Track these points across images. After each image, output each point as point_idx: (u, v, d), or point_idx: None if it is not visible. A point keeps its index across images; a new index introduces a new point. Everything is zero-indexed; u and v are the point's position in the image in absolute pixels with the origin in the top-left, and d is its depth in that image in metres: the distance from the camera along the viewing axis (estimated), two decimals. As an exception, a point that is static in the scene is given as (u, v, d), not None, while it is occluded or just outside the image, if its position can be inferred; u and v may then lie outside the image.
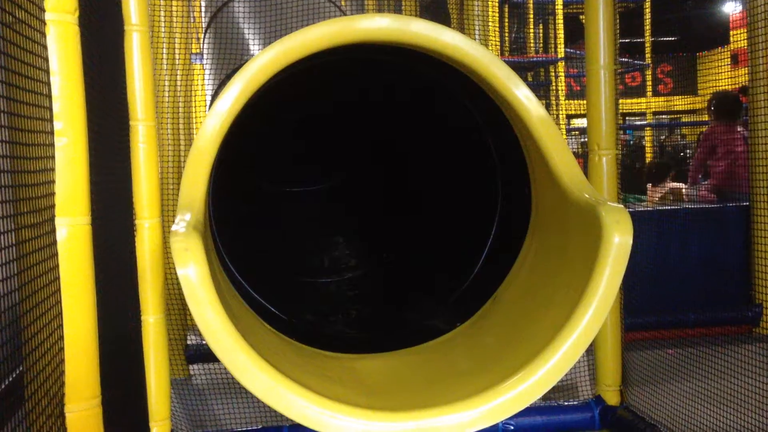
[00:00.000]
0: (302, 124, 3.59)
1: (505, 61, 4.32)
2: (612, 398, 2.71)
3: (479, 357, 2.61)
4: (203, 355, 3.49)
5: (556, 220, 2.66)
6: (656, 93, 13.05)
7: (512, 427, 2.61)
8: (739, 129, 5.32)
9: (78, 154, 1.60)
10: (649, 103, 11.40)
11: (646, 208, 5.45)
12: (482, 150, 3.11)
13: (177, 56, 4.32)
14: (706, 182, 5.61)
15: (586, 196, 2.42)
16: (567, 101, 10.41)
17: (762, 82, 4.25)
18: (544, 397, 2.61)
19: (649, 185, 7.31)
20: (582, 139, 12.32)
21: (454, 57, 2.51)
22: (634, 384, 2.80)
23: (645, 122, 11.24)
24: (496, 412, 2.22)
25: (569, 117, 11.47)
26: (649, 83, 11.11)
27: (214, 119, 2.40)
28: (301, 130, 3.62)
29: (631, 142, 12.69)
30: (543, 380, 2.22)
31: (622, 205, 2.45)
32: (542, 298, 2.57)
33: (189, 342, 3.73)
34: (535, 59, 10.33)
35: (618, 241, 2.22)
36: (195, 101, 4.80)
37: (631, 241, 2.22)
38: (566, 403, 2.75)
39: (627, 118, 13.11)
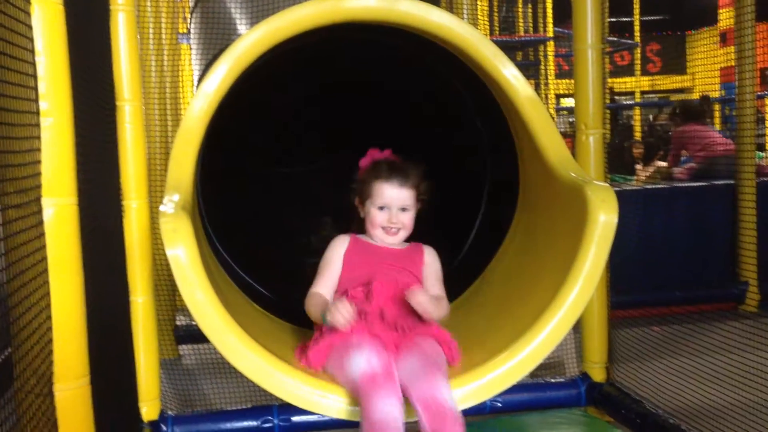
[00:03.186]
0: (291, 105, 3.57)
1: (494, 40, 4.29)
2: (598, 375, 2.74)
3: (467, 336, 2.62)
4: (193, 335, 3.50)
5: (543, 200, 2.67)
6: (645, 72, 13.06)
7: (500, 404, 2.63)
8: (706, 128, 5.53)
9: (64, 134, 1.59)
10: (638, 82, 11.41)
11: (633, 187, 5.48)
12: (471, 131, 3.11)
13: (164, 36, 4.29)
14: (687, 165, 5.69)
15: (573, 175, 2.43)
16: (556, 81, 10.41)
17: (748, 60, 4.26)
18: (532, 375, 2.63)
19: (637, 165, 7.34)
20: (571, 119, 12.33)
21: (442, 36, 2.50)
22: (620, 361, 2.83)
23: (633, 102, 11.25)
24: (483, 389, 2.24)
25: (558, 96, 11.46)
26: (637, 62, 11.12)
27: (201, 100, 2.39)
28: (289, 111, 3.60)
29: (621, 122, 12.70)
30: (530, 358, 2.25)
31: (608, 184, 2.46)
32: (529, 276, 2.59)
33: (178, 322, 3.74)
34: (524, 39, 10.31)
35: (603, 219, 2.24)
36: (182, 82, 4.77)
37: (616, 220, 2.24)
38: (553, 381, 2.78)
39: (616, 97, 13.10)
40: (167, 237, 2.02)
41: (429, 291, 2.34)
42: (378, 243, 2.39)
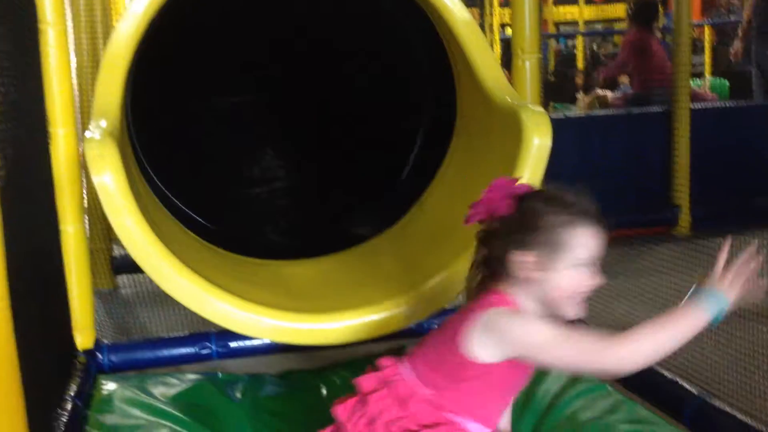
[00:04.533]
0: (226, 33, 3.47)
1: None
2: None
3: (404, 260, 2.66)
4: (130, 265, 3.45)
5: (480, 124, 2.68)
6: (589, 1, 13.03)
7: (436, 326, 2.68)
8: (656, 34, 5.48)
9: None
10: (582, 12, 11.39)
11: (572, 115, 5.53)
12: (410, 59, 3.09)
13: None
14: (624, 89, 5.74)
15: (509, 99, 2.43)
16: (501, 9, 10.31)
17: (685, -15, 4.28)
18: (468, 298, 2.68)
19: (578, 94, 7.40)
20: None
21: (376, -43, 2.45)
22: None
23: (577, 30, 11.27)
24: (421, 309, 2.29)
25: (504, 26, 11.37)
26: (582, -9, 11.09)
27: (128, 22, 2.31)
28: (227, 41, 3.50)
29: (565, 52, 12.73)
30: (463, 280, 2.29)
31: (543, 109, 2.47)
32: (466, 200, 2.58)
33: (115, 254, 3.69)
34: (469, -34, 10.17)
35: (537, 143, 2.26)
36: (114, 6, 4.59)
37: (550, 144, 2.26)
38: (489, 303, 2.83)
39: (561, 26, 13.09)
40: (93, 163, 1.97)
41: None
42: None
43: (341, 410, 1.63)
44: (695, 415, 1.94)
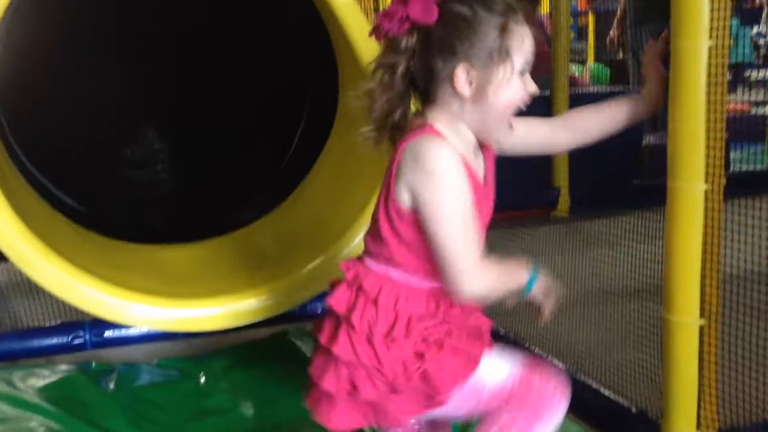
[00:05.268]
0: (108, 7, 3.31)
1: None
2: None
3: (285, 243, 2.64)
4: (2, 253, 3.29)
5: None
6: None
7: (320, 311, 2.68)
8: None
9: None
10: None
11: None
12: (294, 44, 3.05)
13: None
14: None
15: (389, 79, 2.44)
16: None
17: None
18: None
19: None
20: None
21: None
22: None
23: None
24: (299, 293, 2.28)
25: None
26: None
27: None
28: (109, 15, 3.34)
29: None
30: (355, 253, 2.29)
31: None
32: (349, 179, 2.61)
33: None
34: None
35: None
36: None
37: (429, 123, 2.28)
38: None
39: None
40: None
41: None
42: (474, 161, 1.41)
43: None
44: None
